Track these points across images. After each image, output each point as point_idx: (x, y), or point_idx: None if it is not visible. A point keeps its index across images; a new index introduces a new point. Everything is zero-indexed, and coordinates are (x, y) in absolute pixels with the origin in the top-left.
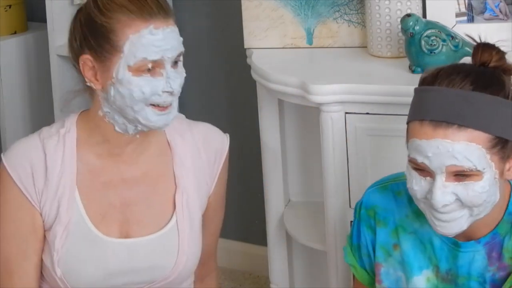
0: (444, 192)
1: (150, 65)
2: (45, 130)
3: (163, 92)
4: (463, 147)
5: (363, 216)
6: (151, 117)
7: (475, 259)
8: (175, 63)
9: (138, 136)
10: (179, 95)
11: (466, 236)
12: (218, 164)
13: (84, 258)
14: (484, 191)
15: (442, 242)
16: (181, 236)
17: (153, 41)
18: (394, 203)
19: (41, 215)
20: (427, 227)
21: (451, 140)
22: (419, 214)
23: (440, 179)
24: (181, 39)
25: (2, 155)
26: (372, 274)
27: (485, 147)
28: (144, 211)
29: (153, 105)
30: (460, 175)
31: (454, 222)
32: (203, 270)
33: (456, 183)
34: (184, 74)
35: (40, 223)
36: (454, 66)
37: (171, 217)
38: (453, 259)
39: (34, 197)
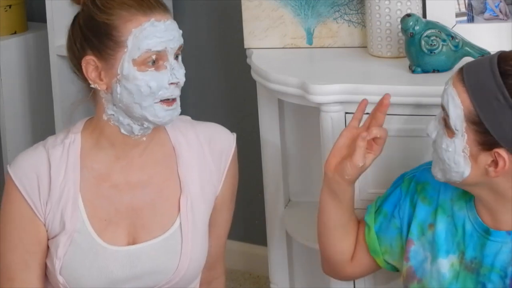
0: (434, 124)
1: (154, 57)
2: (50, 140)
3: (170, 84)
4: (451, 93)
5: (412, 189)
6: (159, 112)
7: (502, 250)
8: (176, 57)
9: (144, 138)
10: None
11: (499, 226)
12: (224, 165)
13: (87, 267)
14: (445, 149)
15: (473, 229)
16: (184, 239)
17: (155, 32)
18: (443, 184)
19: (44, 225)
20: (464, 211)
21: (452, 83)
22: (460, 198)
23: (439, 114)
24: (181, 31)
25: (8, 166)
26: (385, 246)
27: (465, 113)
28: (150, 216)
29: (162, 100)
30: (445, 120)
31: (434, 162)
32: (210, 274)
33: (442, 126)
34: (184, 70)
35: (44, 234)
36: None
37: (175, 220)
38: (480, 247)
39: (39, 209)
